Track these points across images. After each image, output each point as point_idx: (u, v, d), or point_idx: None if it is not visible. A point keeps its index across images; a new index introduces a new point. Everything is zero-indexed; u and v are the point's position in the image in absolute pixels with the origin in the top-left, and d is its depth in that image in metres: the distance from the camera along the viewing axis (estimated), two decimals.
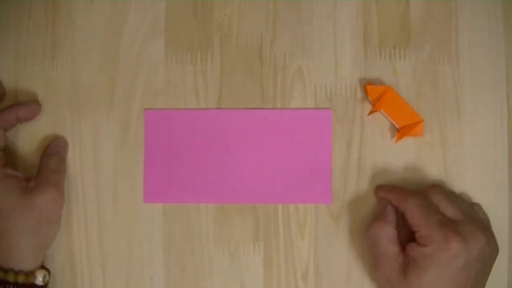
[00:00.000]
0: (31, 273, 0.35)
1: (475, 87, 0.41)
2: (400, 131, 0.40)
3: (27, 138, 0.40)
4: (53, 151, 0.39)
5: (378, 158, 0.40)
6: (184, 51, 0.41)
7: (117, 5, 0.41)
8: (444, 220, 0.34)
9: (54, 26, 0.41)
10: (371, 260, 0.37)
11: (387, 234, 0.36)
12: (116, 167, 0.40)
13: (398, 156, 0.40)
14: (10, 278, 0.34)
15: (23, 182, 0.37)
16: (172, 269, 0.40)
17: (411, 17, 0.41)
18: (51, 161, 0.38)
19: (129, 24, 0.41)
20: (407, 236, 0.36)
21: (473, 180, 0.40)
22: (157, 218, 0.40)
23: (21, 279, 0.34)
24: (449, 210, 0.35)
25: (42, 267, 0.37)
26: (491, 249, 0.35)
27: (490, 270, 0.35)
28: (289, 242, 0.40)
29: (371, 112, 0.40)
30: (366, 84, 0.40)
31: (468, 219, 0.35)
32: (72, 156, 0.40)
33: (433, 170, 0.40)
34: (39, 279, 0.35)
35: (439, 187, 0.37)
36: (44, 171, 0.38)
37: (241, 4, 0.41)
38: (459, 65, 0.41)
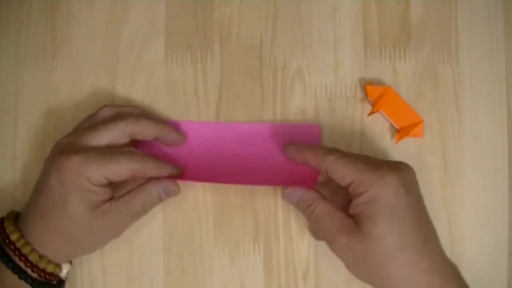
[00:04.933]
0: (58, 265, 0.35)
1: (475, 87, 0.41)
2: (400, 132, 0.40)
3: (27, 137, 0.40)
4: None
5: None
6: (184, 51, 0.41)
7: (117, 5, 0.41)
8: (367, 160, 0.33)
9: (54, 26, 0.41)
10: (325, 240, 0.35)
11: (324, 207, 0.35)
12: None
13: (398, 156, 0.40)
14: (42, 264, 0.34)
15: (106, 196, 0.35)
16: (172, 269, 0.40)
17: (411, 17, 0.41)
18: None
19: (129, 24, 0.41)
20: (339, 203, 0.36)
21: (473, 180, 0.40)
22: (157, 218, 0.40)
23: (50, 268, 0.34)
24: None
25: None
26: (411, 173, 0.34)
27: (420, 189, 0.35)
28: (289, 242, 0.40)
29: (371, 113, 0.40)
30: (366, 85, 0.40)
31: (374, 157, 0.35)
32: None
33: (433, 170, 0.40)
34: (63, 272, 0.35)
35: (334, 149, 0.36)
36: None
37: (241, 4, 0.41)
38: (459, 65, 0.41)
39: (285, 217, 0.40)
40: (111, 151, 0.35)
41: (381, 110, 0.39)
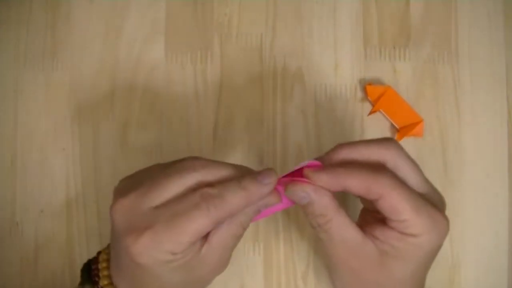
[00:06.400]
0: None
1: (475, 87, 0.41)
2: (400, 131, 0.40)
3: (27, 137, 0.40)
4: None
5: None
6: (184, 51, 0.41)
7: (117, 5, 0.41)
8: (425, 198, 0.28)
9: (54, 26, 0.41)
10: (328, 256, 0.30)
11: (339, 224, 0.29)
12: (116, 167, 0.40)
13: None
14: None
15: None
16: None
17: (411, 17, 0.41)
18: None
19: (129, 24, 0.41)
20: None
21: (473, 180, 0.40)
22: None
23: None
24: (415, 179, 0.29)
25: None
26: None
27: None
28: (289, 242, 0.40)
29: (371, 112, 0.40)
30: (366, 84, 0.40)
31: (430, 185, 0.30)
32: (72, 156, 0.40)
33: (433, 170, 0.40)
34: None
35: (395, 145, 0.29)
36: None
37: (241, 4, 0.41)
38: (459, 65, 0.41)
39: (285, 217, 0.40)
40: (182, 207, 0.27)
41: (381, 110, 0.39)
